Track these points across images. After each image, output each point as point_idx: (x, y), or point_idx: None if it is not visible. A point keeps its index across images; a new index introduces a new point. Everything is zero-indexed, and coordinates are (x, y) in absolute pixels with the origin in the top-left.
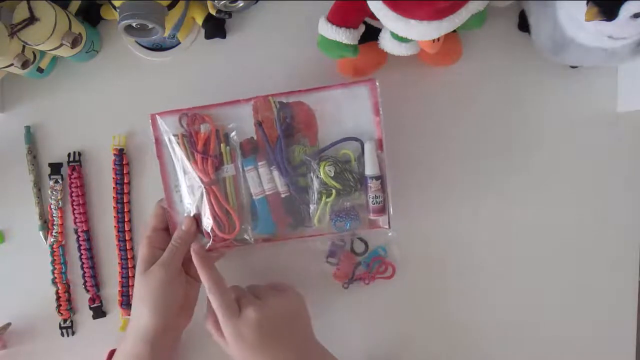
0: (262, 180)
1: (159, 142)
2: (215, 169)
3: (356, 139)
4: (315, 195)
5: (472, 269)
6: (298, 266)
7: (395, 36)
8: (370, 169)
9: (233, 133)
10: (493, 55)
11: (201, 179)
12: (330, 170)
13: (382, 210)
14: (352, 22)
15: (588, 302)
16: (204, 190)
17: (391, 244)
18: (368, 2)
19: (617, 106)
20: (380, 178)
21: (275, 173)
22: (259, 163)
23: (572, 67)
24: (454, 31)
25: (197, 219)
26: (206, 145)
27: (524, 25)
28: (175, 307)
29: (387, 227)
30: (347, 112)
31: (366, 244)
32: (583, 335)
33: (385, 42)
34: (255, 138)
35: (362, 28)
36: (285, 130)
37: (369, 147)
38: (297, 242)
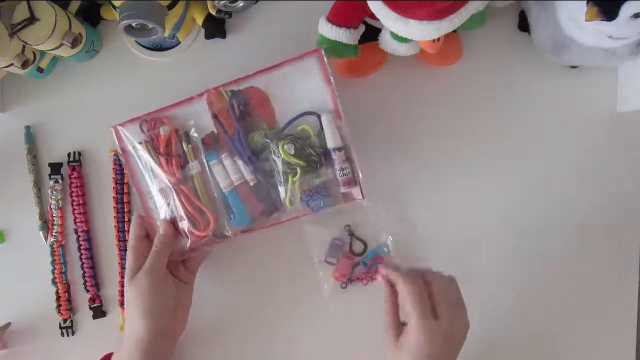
0: (229, 172)
1: (125, 152)
2: (181, 168)
3: (312, 113)
4: (282, 177)
5: (471, 273)
6: (297, 265)
7: (395, 36)
8: (331, 141)
9: (192, 130)
10: (493, 55)
11: (169, 180)
12: (289, 148)
13: (352, 181)
14: (352, 22)
15: (588, 302)
16: (173, 192)
17: (392, 244)
18: (368, 2)
19: (617, 106)
20: (343, 149)
21: (240, 163)
22: (222, 155)
23: (572, 67)
24: (454, 31)
25: (173, 221)
26: (168, 146)
27: (524, 25)
28: (166, 311)
29: (360, 198)
30: (300, 89)
31: (365, 244)
32: (583, 335)
33: (385, 42)
34: (215, 132)
35: (362, 28)
36: (242, 118)
37: (326, 119)
38: (296, 241)
